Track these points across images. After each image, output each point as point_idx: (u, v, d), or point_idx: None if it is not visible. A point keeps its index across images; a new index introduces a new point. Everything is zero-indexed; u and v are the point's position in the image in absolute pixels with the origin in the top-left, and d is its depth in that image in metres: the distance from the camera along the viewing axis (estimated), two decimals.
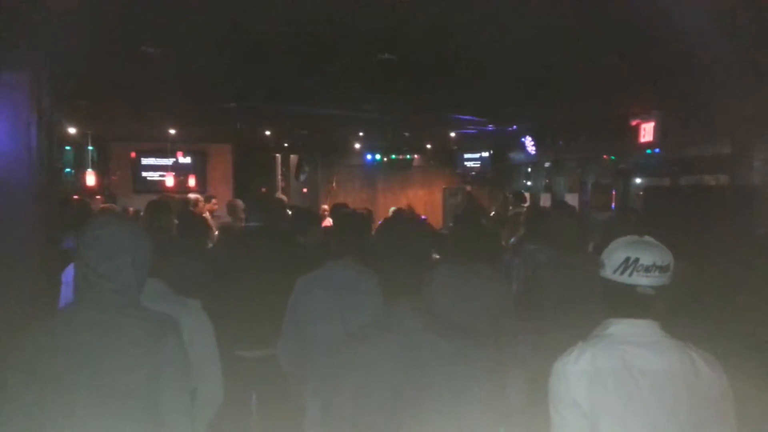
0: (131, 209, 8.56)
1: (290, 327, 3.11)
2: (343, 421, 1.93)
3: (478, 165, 13.11)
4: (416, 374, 1.85)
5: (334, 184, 14.43)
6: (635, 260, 1.79)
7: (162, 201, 5.54)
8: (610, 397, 1.71)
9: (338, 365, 1.98)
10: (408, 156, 13.58)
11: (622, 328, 1.80)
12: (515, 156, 12.10)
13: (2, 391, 1.84)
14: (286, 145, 13.10)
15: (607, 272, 1.83)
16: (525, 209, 7.99)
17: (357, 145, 13.12)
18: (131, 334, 1.87)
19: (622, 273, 1.80)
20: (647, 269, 1.78)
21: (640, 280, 1.78)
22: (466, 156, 13.20)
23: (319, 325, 3.00)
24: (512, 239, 5.65)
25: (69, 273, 3.27)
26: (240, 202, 7.72)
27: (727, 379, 1.75)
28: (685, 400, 1.71)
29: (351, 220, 3.38)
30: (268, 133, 11.15)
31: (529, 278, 3.98)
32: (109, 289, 1.89)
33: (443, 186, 14.19)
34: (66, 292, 3.19)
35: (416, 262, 1.99)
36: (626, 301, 1.81)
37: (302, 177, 13.43)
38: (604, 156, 8.98)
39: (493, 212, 10.15)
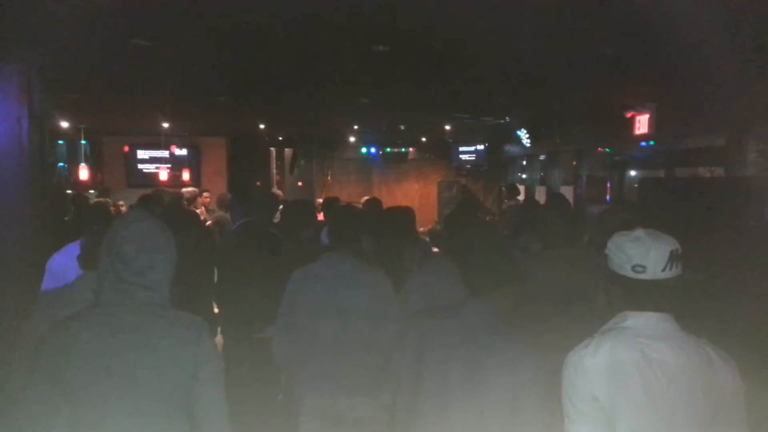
0: (122, 204, 8.52)
1: (285, 319, 3.09)
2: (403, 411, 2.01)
3: (473, 158, 13.09)
4: (469, 366, 1.89)
5: (329, 178, 14.40)
6: (676, 251, 1.77)
7: (154, 195, 5.52)
8: (630, 390, 1.70)
9: (404, 338, 2.05)
10: (403, 149, 13.56)
11: (639, 321, 1.78)
12: (510, 149, 12.09)
13: (6, 390, 1.83)
14: (280, 138, 13.05)
15: (654, 273, 1.75)
16: (520, 202, 7.97)
17: (352, 139, 13.09)
18: (165, 337, 1.85)
19: (671, 268, 1.75)
20: (680, 257, 1.77)
21: (680, 268, 1.77)
22: (461, 149, 13.18)
23: (315, 318, 2.99)
24: (506, 232, 5.65)
25: (53, 260, 3.22)
26: (228, 195, 7.74)
27: (740, 375, 1.75)
28: (701, 395, 1.70)
29: (347, 213, 3.37)
30: (262, 126, 11.11)
31: None
32: (143, 286, 1.86)
33: (438, 179, 14.17)
34: (49, 283, 3.14)
35: (504, 257, 2.01)
36: (668, 295, 1.77)
37: (296, 171, 13.41)
38: (599, 148, 8.97)
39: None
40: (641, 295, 1.79)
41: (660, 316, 1.79)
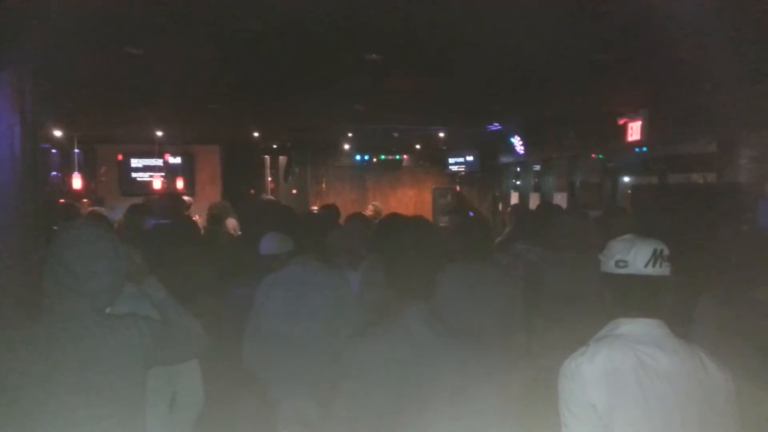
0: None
1: (253, 326, 3.12)
2: (341, 423, 1.90)
3: (463, 168, 13.12)
4: (418, 378, 1.83)
5: (323, 185, 14.38)
6: (661, 251, 1.81)
7: (143, 204, 5.50)
8: (626, 397, 1.70)
9: (339, 366, 1.94)
10: (397, 156, 13.57)
11: (633, 327, 1.80)
12: (504, 156, 12.12)
13: None
14: (274, 146, 13.05)
15: (636, 267, 1.80)
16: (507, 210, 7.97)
17: (346, 146, 13.10)
18: (109, 344, 1.84)
19: (654, 265, 1.79)
20: (667, 259, 1.81)
21: (666, 270, 1.81)
22: (451, 159, 13.21)
23: (280, 323, 3.01)
24: (498, 239, 5.66)
25: None
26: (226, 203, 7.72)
27: (733, 380, 1.77)
28: (696, 400, 1.71)
29: (310, 219, 3.41)
30: (256, 134, 11.10)
31: (523, 277, 3.98)
32: (83, 294, 1.85)
33: (433, 186, 14.18)
34: None
35: (429, 263, 1.96)
36: (653, 294, 1.80)
37: (291, 178, 13.40)
38: (592, 155, 9.00)
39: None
40: (627, 292, 1.82)
41: (652, 323, 1.80)
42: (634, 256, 1.80)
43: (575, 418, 1.73)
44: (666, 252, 1.81)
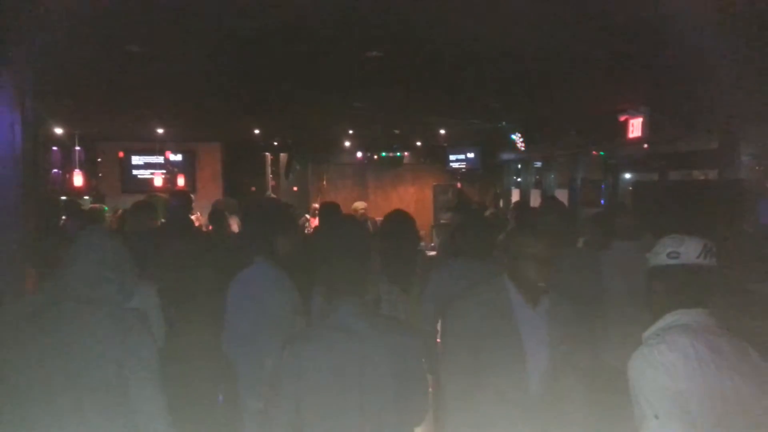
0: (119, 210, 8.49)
1: (228, 322, 3.14)
2: (282, 425, 1.94)
3: (464, 165, 13.11)
4: (360, 370, 1.90)
5: (324, 183, 14.39)
6: (711, 246, 1.92)
7: (147, 201, 5.50)
8: (709, 382, 1.76)
9: (280, 369, 1.97)
10: (398, 153, 13.57)
11: (694, 317, 1.88)
12: (505, 153, 12.12)
13: None
14: (275, 143, 13.05)
15: (689, 258, 1.89)
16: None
17: (347, 143, 13.10)
18: (94, 331, 1.93)
19: (705, 257, 1.90)
20: (715, 254, 1.93)
21: (714, 261, 1.92)
22: (451, 156, 13.20)
23: (238, 323, 3.02)
24: (500, 236, 5.65)
25: None
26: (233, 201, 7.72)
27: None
28: (752, 384, 1.79)
29: (256, 216, 3.39)
30: (257, 131, 11.10)
31: None
32: (78, 285, 1.95)
33: (434, 183, 14.18)
34: None
35: (357, 261, 2.03)
36: (705, 284, 1.90)
37: (292, 176, 13.39)
38: (593, 152, 8.99)
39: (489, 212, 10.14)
40: (682, 283, 1.90)
41: (706, 312, 1.89)
42: (687, 248, 1.91)
43: (664, 407, 1.76)
44: (714, 249, 1.92)
